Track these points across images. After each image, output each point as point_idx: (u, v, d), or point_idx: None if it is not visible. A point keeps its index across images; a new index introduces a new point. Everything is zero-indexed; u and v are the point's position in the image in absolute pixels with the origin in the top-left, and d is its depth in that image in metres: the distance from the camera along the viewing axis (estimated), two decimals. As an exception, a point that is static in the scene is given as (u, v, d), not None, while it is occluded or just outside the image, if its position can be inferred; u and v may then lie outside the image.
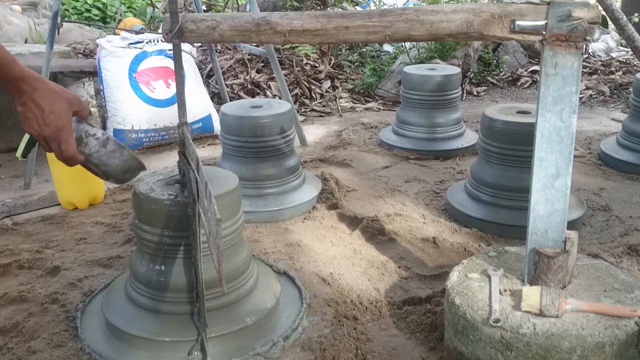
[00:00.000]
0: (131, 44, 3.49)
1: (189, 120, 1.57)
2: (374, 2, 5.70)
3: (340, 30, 1.45)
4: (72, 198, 2.66)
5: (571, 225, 1.88)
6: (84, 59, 4.49)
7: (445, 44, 4.81)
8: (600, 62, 5.49)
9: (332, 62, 5.09)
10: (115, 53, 3.42)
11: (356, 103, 4.61)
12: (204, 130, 3.69)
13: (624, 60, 5.50)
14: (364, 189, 2.83)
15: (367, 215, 2.44)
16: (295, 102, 4.27)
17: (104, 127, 3.47)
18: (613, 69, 5.27)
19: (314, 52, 5.11)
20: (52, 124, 1.27)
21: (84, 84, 3.49)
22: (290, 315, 1.77)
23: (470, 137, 3.45)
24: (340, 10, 5.54)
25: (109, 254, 2.21)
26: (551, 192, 1.47)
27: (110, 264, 2.15)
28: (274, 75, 3.47)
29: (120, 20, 6.51)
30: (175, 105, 1.70)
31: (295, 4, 5.58)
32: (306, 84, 4.68)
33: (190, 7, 5.99)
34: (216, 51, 4.57)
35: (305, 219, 2.51)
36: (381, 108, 4.50)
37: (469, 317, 1.45)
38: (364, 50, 5.28)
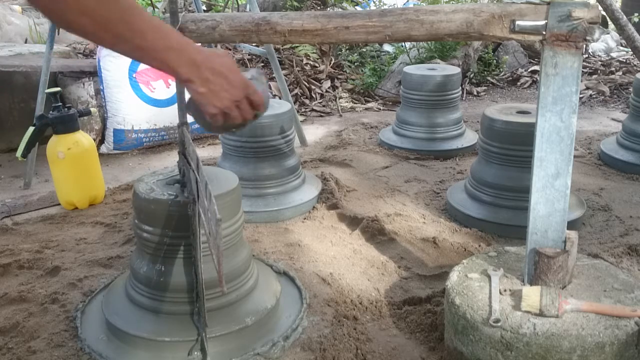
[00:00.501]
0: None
1: (189, 120, 1.57)
2: (374, 2, 5.70)
3: (340, 30, 1.45)
4: (72, 198, 2.66)
5: (571, 225, 1.88)
6: (84, 59, 4.49)
7: (445, 44, 4.81)
8: (600, 62, 5.49)
9: (332, 62, 5.09)
10: (115, 53, 3.41)
11: (356, 103, 4.61)
12: (204, 130, 3.69)
13: (624, 60, 5.50)
14: (364, 189, 2.83)
15: (367, 215, 2.44)
16: (295, 102, 4.27)
17: (104, 127, 3.47)
18: (613, 69, 5.27)
19: (314, 52, 5.11)
20: (237, 82, 1.17)
21: (84, 84, 3.49)
22: (290, 315, 1.77)
23: (470, 137, 3.45)
24: (340, 10, 5.54)
25: (109, 254, 2.21)
26: (551, 192, 1.47)
27: (110, 264, 2.15)
28: (274, 75, 3.47)
29: (120, 20, 6.50)
30: (175, 105, 1.70)
31: (295, 4, 5.58)
32: (306, 84, 4.68)
33: (190, 7, 5.99)
34: (216, 51, 4.56)
35: (305, 219, 2.51)
36: (381, 108, 4.50)
37: (469, 317, 1.45)
38: (364, 50, 5.28)
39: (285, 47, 4.96)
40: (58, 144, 2.57)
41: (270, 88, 4.55)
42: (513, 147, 2.32)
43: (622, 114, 4.08)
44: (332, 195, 2.66)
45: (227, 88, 1.15)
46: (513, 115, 2.41)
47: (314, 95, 4.64)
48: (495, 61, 5.30)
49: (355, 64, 5.12)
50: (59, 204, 2.71)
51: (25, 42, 5.18)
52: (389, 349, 1.66)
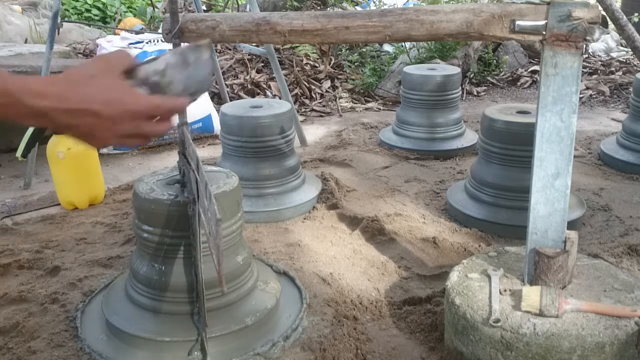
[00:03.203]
0: (131, 44, 3.49)
1: (189, 120, 1.57)
2: (374, 2, 5.70)
3: (340, 30, 1.45)
4: (72, 198, 2.66)
5: (571, 225, 1.88)
6: (84, 59, 4.49)
7: (445, 44, 4.81)
8: (600, 62, 5.49)
9: (332, 62, 5.09)
10: (115, 53, 3.41)
11: (356, 103, 4.61)
12: (204, 130, 3.69)
13: (624, 60, 5.50)
14: (364, 189, 2.83)
15: (367, 215, 2.44)
16: (295, 102, 4.27)
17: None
18: (613, 69, 5.27)
19: (314, 52, 5.11)
20: (119, 115, 0.85)
21: (84, 84, 3.48)
22: (290, 315, 1.77)
23: (470, 137, 3.45)
24: (340, 10, 5.54)
25: (109, 254, 2.21)
26: (551, 192, 1.47)
27: (110, 264, 2.15)
28: (274, 75, 3.47)
29: (120, 20, 6.51)
30: (175, 105, 1.69)
31: (295, 4, 5.58)
32: (306, 84, 4.68)
33: (190, 7, 5.99)
34: (216, 51, 4.57)
35: (305, 219, 2.51)
36: (381, 108, 4.50)
37: (469, 317, 1.45)
38: (364, 50, 5.28)
39: (285, 47, 4.96)
40: (58, 144, 2.57)
41: (270, 88, 4.55)
42: (513, 147, 2.32)
43: (622, 114, 4.08)
44: (332, 195, 2.66)
45: (106, 126, 0.85)
46: (513, 115, 2.41)
47: (314, 95, 4.64)
48: (495, 61, 5.30)
49: (355, 64, 5.12)
50: (59, 204, 2.71)
51: (25, 42, 5.18)
52: (389, 349, 1.66)
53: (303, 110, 4.39)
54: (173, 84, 0.93)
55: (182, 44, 1.55)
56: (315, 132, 3.87)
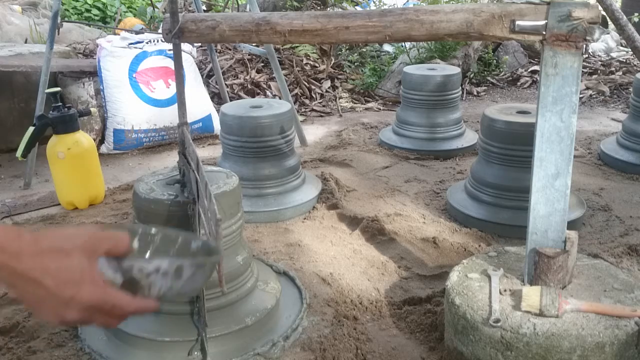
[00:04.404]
0: (131, 44, 3.49)
1: (189, 120, 1.57)
2: (374, 2, 5.70)
3: (340, 30, 1.45)
4: (72, 198, 2.66)
5: (571, 225, 1.88)
6: (84, 59, 4.49)
7: (445, 44, 4.81)
8: (600, 62, 5.49)
9: (332, 62, 5.09)
10: (115, 53, 3.42)
11: (356, 103, 4.61)
12: (204, 130, 3.69)
13: (624, 60, 5.50)
14: (364, 189, 2.83)
15: (367, 215, 2.44)
16: (295, 102, 4.27)
17: (104, 127, 3.47)
18: (613, 69, 5.27)
19: (314, 52, 5.11)
20: (75, 303, 0.78)
21: (84, 84, 3.49)
22: (290, 315, 1.77)
23: (470, 137, 3.45)
24: (340, 10, 5.54)
25: (109, 254, 2.21)
26: (551, 192, 1.47)
27: (110, 264, 2.14)
28: (274, 75, 3.47)
29: (120, 20, 6.51)
30: (175, 105, 1.70)
31: (295, 4, 5.58)
32: (306, 84, 4.68)
33: (190, 7, 5.99)
34: (216, 51, 4.57)
35: (305, 219, 2.51)
36: (381, 108, 4.50)
37: (469, 317, 1.45)
38: (364, 50, 5.28)
39: (285, 47, 4.95)
40: (58, 144, 2.57)
41: (270, 88, 4.55)
42: (513, 147, 2.32)
43: (622, 114, 4.08)
44: (332, 195, 2.66)
45: (52, 306, 0.78)
46: (513, 115, 2.41)
47: (314, 95, 4.64)
48: (495, 61, 5.30)
49: (355, 64, 5.12)
50: (59, 204, 2.71)
51: (25, 42, 5.18)
52: (389, 349, 1.66)
53: (303, 110, 4.39)
54: (152, 289, 0.86)
55: (185, 44, 1.55)
56: (315, 132, 3.87)
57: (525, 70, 5.32)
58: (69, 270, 0.77)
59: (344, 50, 5.36)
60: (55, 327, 0.79)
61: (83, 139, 2.64)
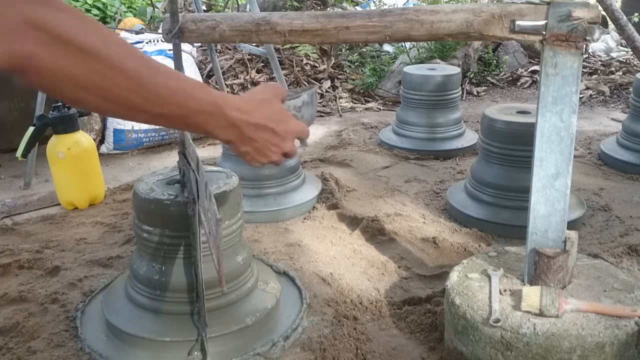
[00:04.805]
0: (131, 43, 3.49)
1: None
2: (374, 2, 5.70)
3: (340, 30, 1.45)
4: (72, 198, 2.66)
5: (571, 225, 1.88)
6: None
7: (445, 44, 4.81)
8: (600, 62, 5.49)
9: (332, 62, 5.09)
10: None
11: (356, 103, 4.61)
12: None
13: (624, 60, 5.50)
14: (364, 189, 2.83)
15: (367, 215, 2.44)
16: (295, 102, 4.26)
17: (104, 127, 3.47)
18: (613, 69, 5.27)
19: (314, 52, 5.11)
20: (286, 133, 1.04)
21: (84, 84, 3.48)
22: (290, 315, 1.77)
23: (470, 137, 3.45)
24: (340, 10, 5.54)
25: (109, 254, 2.21)
26: (551, 192, 1.47)
27: (110, 264, 2.15)
28: (274, 75, 3.47)
29: (120, 20, 6.50)
30: (175, 105, 1.69)
31: (295, 4, 5.58)
32: (306, 84, 4.68)
33: (190, 7, 5.99)
34: (216, 51, 4.57)
35: (305, 219, 2.51)
36: (381, 108, 4.50)
37: (469, 317, 1.45)
38: (364, 50, 5.28)
39: (285, 47, 4.95)
40: (58, 144, 2.57)
41: None
42: (513, 147, 2.32)
43: (622, 114, 4.08)
44: (332, 195, 2.66)
45: (275, 142, 1.03)
46: (513, 115, 2.41)
47: (314, 95, 4.64)
48: (495, 61, 5.30)
49: (355, 64, 5.12)
50: (59, 204, 2.71)
51: (25, 42, 5.17)
52: (389, 349, 1.66)
53: (303, 110, 4.38)
54: (303, 118, 1.18)
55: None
56: (315, 132, 3.87)
57: (525, 70, 5.32)
58: (278, 113, 1.03)
59: (344, 50, 5.36)
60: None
61: (83, 139, 2.64)
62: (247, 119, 0.98)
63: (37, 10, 0.70)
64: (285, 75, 4.44)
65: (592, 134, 3.65)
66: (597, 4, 1.87)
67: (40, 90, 0.81)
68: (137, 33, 4.04)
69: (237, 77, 4.66)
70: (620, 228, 2.38)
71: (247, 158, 1.05)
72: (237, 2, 6.04)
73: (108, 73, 0.77)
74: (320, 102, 4.56)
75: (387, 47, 5.37)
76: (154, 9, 6.48)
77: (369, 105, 4.56)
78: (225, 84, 4.21)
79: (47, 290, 1.95)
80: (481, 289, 1.54)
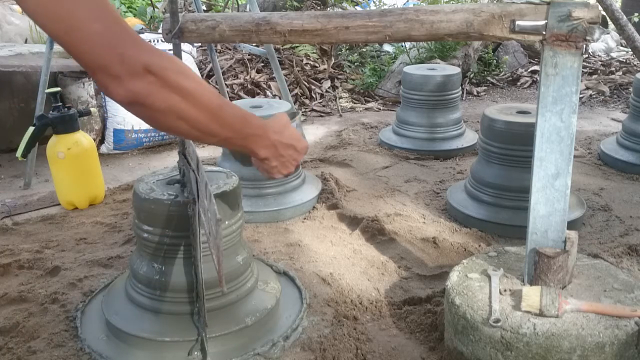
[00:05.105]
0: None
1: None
2: (374, 2, 5.70)
3: (340, 30, 1.45)
4: (72, 198, 2.66)
5: (571, 225, 1.88)
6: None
7: (445, 44, 4.81)
8: (600, 62, 5.49)
9: (332, 62, 5.09)
10: (115, 53, 3.41)
11: (356, 103, 4.61)
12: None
13: (624, 60, 5.50)
14: (364, 189, 2.83)
15: (367, 215, 2.44)
16: (295, 102, 4.27)
17: (104, 127, 3.47)
18: (613, 69, 5.27)
19: (314, 52, 5.11)
20: (302, 148, 1.32)
21: (84, 84, 3.48)
22: (290, 315, 1.77)
23: (470, 137, 3.45)
24: (340, 10, 5.53)
25: (109, 254, 2.21)
26: (551, 192, 1.47)
27: (110, 264, 2.15)
28: (274, 75, 3.47)
29: (120, 20, 6.49)
30: (175, 105, 1.69)
31: (295, 4, 5.58)
32: (306, 84, 4.68)
33: (190, 7, 5.99)
34: (216, 51, 4.57)
35: (305, 219, 2.51)
36: (381, 108, 4.50)
37: (469, 317, 1.45)
38: (364, 50, 5.28)
39: (285, 47, 4.95)
40: (58, 144, 2.57)
41: (270, 88, 4.55)
42: (513, 147, 2.32)
43: (622, 114, 4.08)
44: (332, 195, 2.66)
45: (295, 157, 1.31)
46: (513, 115, 2.41)
47: (314, 95, 4.64)
48: (495, 61, 5.30)
49: (355, 64, 5.12)
50: (59, 204, 2.71)
51: (25, 42, 5.17)
52: (389, 349, 1.66)
53: (303, 110, 4.38)
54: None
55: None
56: (315, 132, 3.87)
57: (525, 70, 5.32)
58: (295, 135, 1.31)
59: (344, 50, 5.36)
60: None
61: (83, 139, 2.64)
62: (280, 139, 1.25)
63: (153, 59, 0.92)
64: (285, 75, 4.44)
65: (592, 134, 3.65)
66: (597, 4, 1.87)
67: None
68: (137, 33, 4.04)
69: (237, 77, 4.66)
70: (620, 228, 2.38)
71: (274, 171, 1.29)
72: (237, 2, 6.04)
73: (199, 107, 1.01)
74: (320, 102, 4.56)
75: (387, 47, 5.37)
76: (154, 9, 6.48)
77: (369, 105, 4.56)
78: (225, 84, 4.21)
79: (47, 290, 1.95)
80: (481, 289, 1.54)
